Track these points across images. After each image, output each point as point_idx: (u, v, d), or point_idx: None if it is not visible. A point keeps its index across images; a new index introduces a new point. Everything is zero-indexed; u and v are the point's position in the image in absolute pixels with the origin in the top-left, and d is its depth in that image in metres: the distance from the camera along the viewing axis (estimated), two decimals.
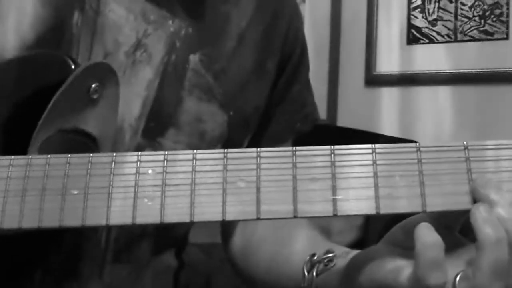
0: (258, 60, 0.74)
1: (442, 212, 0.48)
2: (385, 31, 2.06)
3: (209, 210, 0.48)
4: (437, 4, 1.99)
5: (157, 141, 0.67)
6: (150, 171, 0.49)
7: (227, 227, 0.81)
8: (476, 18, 1.93)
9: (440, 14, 1.98)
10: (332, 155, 0.48)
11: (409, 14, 2.03)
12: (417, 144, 0.48)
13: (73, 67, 0.56)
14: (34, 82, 0.57)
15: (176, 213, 0.48)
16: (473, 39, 1.93)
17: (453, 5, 1.97)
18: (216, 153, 0.49)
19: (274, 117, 0.79)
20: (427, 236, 0.45)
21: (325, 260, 0.59)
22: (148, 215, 0.48)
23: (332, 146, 0.49)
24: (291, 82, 0.80)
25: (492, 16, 1.90)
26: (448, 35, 1.97)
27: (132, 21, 0.65)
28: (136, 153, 0.50)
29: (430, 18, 2.00)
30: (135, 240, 0.69)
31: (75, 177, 0.50)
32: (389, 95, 2.06)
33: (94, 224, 0.49)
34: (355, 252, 0.57)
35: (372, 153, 0.48)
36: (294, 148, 0.49)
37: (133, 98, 0.65)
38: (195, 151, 0.49)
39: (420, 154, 0.48)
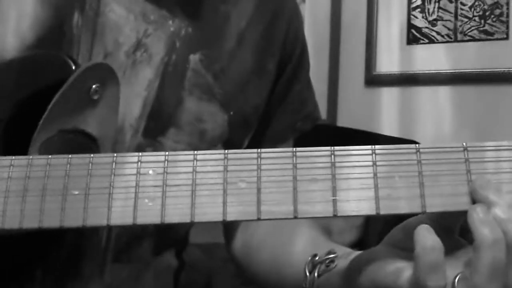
0: (258, 60, 0.74)
1: (441, 213, 0.48)
2: (385, 31, 2.06)
3: (209, 211, 0.48)
4: (437, 4, 1.99)
5: (157, 140, 0.67)
6: (150, 172, 0.49)
7: (229, 228, 0.82)
8: (476, 18, 1.93)
9: (440, 14, 1.99)
10: (332, 156, 0.48)
11: (409, 14, 2.03)
12: (417, 145, 0.49)
13: (73, 67, 0.56)
14: (35, 82, 0.57)
15: (176, 214, 0.48)
16: (473, 39, 1.93)
17: (453, 5, 1.97)
18: (216, 154, 0.49)
19: (275, 116, 0.79)
20: (427, 239, 0.46)
21: (327, 261, 0.59)
22: (149, 215, 0.48)
23: (332, 147, 0.49)
24: (292, 82, 0.80)
25: (492, 16, 1.91)
26: (448, 35, 1.98)
27: (132, 21, 0.65)
28: (136, 153, 0.50)
29: (430, 18, 2.00)
30: (135, 240, 0.69)
31: (75, 177, 0.50)
32: (389, 95, 2.06)
33: (94, 224, 0.49)
34: (356, 253, 0.57)
35: (372, 154, 0.48)
36: (294, 149, 0.49)
37: (133, 98, 0.65)
38: (195, 151, 0.50)
39: (420, 155, 0.48)
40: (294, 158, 0.49)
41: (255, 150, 0.49)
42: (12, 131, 0.57)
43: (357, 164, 0.48)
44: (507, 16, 1.89)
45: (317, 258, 0.61)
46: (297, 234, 0.71)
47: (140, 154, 0.50)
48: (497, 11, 1.90)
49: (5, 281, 0.62)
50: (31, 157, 0.51)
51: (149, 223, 0.48)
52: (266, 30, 0.75)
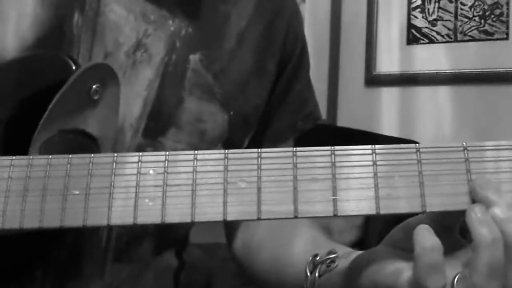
0: (258, 59, 0.74)
1: (441, 212, 0.48)
2: (385, 31, 2.06)
3: (210, 211, 0.48)
4: (437, 4, 1.99)
5: (158, 140, 0.67)
6: (151, 172, 0.49)
7: (230, 228, 0.82)
8: (476, 18, 1.93)
9: (440, 14, 1.99)
10: (333, 156, 0.48)
11: (409, 14, 2.03)
12: (417, 145, 0.49)
13: (73, 67, 0.56)
14: (35, 82, 0.57)
15: (177, 213, 0.48)
16: (473, 39, 1.93)
17: (453, 5, 1.97)
18: (217, 154, 0.49)
19: (275, 116, 0.79)
20: (426, 239, 0.46)
21: (327, 261, 0.59)
22: (149, 215, 0.48)
23: (333, 147, 0.49)
24: (292, 82, 0.80)
25: (492, 16, 1.91)
26: (448, 35, 1.98)
27: (132, 21, 0.65)
28: (137, 153, 0.50)
29: (430, 18, 2.00)
30: (136, 240, 0.69)
31: (76, 177, 0.50)
32: (389, 95, 2.06)
33: (95, 224, 0.49)
34: (357, 252, 0.58)
35: (372, 154, 0.48)
36: (294, 148, 0.49)
37: (133, 98, 0.65)
38: (196, 151, 0.50)
39: (420, 155, 0.48)
40: (294, 158, 0.49)
41: (255, 150, 0.49)
42: (13, 131, 0.57)
43: (357, 163, 0.48)
44: (507, 16, 1.89)
45: (318, 258, 0.61)
46: (298, 233, 0.71)
47: (141, 154, 0.50)
48: (497, 11, 1.90)
49: (5, 281, 0.62)
50: (31, 157, 0.51)
51: (150, 223, 0.49)
52: (266, 30, 0.75)
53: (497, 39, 1.90)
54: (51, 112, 0.54)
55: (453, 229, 0.51)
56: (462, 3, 1.95)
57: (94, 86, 0.56)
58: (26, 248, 0.61)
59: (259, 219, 0.48)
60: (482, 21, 1.92)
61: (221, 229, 0.83)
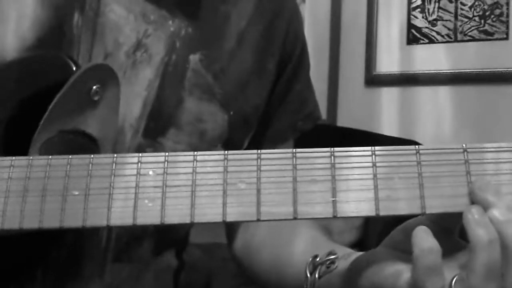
0: (258, 59, 0.74)
1: (441, 214, 0.48)
2: (385, 31, 2.06)
3: (209, 211, 0.48)
4: (437, 4, 1.99)
5: (158, 141, 0.67)
6: (150, 172, 0.49)
7: (230, 229, 0.82)
8: (476, 18, 1.93)
9: (440, 14, 1.99)
10: (332, 157, 0.49)
11: (409, 14, 2.03)
12: (417, 146, 0.49)
13: (74, 68, 0.56)
14: (35, 83, 0.57)
15: (176, 214, 0.48)
16: (473, 39, 1.94)
17: (453, 5, 1.97)
18: (216, 155, 0.49)
19: (275, 116, 0.79)
20: (424, 241, 0.46)
21: (327, 262, 0.59)
22: (149, 216, 0.48)
23: (332, 148, 0.49)
24: (292, 82, 0.80)
25: (492, 16, 1.91)
26: (448, 35, 1.98)
27: (132, 21, 0.65)
28: (136, 154, 0.50)
29: (430, 18, 2.00)
30: (136, 240, 0.69)
31: (76, 178, 0.50)
32: (389, 95, 2.06)
33: (94, 225, 0.49)
34: (356, 254, 0.58)
35: (371, 155, 0.48)
36: (294, 150, 0.49)
37: (133, 98, 0.65)
38: (195, 152, 0.50)
39: (420, 156, 0.48)
40: (294, 159, 0.49)
41: (255, 151, 0.49)
42: (13, 132, 0.57)
43: (356, 165, 0.48)
44: (507, 16, 1.89)
45: (317, 259, 0.61)
46: (297, 234, 0.71)
47: (140, 154, 0.50)
48: (497, 11, 1.90)
49: (5, 281, 0.62)
50: (31, 157, 0.51)
51: (149, 224, 0.49)
52: (266, 30, 0.75)
53: (497, 39, 1.90)
54: (51, 113, 0.54)
55: (453, 231, 0.51)
56: (462, 3, 1.95)
57: (94, 87, 0.56)
58: (26, 248, 0.61)
59: (258, 220, 0.48)
60: (482, 21, 1.92)
61: (221, 229, 0.83)
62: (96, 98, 0.57)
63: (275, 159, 0.49)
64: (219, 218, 0.48)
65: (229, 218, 0.48)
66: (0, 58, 0.59)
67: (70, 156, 0.51)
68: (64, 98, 0.54)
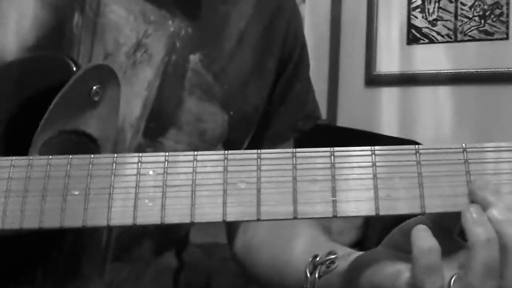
0: (258, 59, 0.74)
1: (440, 214, 0.48)
2: (385, 31, 2.06)
3: (209, 211, 0.48)
4: (437, 4, 1.99)
5: (158, 141, 0.67)
6: (151, 172, 0.49)
7: (231, 229, 0.82)
8: (476, 18, 1.93)
9: (440, 14, 1.99)
10: (332, 157, 0.49)
11: (409, 14, 2.03)
12: (416, 146, 0.49)
13: (74, 68, 0.56)
14: (36, 83, 0.57)
15: (176, 214, 0.48)
16: (473, 39, 1.94)
17: (453, 5, 1.97)
18: (216, 155, 0.49)
19: (275, 116, 0.79)
20: (424, 241, 0.46)
21: (327, 262, 0.59)
22: (149, 216, 0.48)
23: (332, 148, 0.49)
24: (292, 82, 0.80)
25: (492, 16, 1.91)
26: (448, 35, 1.98)
27: (132, 21, 0.65)
28: (137, 154, 0.50)
29: (430, 18, 2.00)
30: (136, 240, 0.69)
31: (76, 178, 0.50)
32: (389, 95, 2.06)
33: (95, 225, 0.49)
34: (356, 253, 0.58)
35: (371, 155, 0.48)
36: (294, 149, 0.49)
37: (133, 98, 0.65)
38: (195, 152, 0.50)
39: (419, 156, 0.48)
40: (294, 159, 0.49)
41: (255, 150, 0.49)
42: (13, 132, 0.57)
43: (356, 165, 0.48)
44: (507, 16, 1.89)
45: (317, 259, 0.61)
46: (298, 233, 0.72)
47: (140, 154, 0.50)
48: (497, 11, 1.90)
49: (5, 281, 0.62)
50: (31, 157, 0.51)
51: (149, 224, 0.49)
52: (266, 30, 0.75)
53: (497, 39, 1.90)
54: (52, 113, 0.54)
55: (453, 231, 0.51)
56: (462, 3, 1.95)
57: (94, 87, 0.56)
58: (26, 248, 0.61)
59: (258, 220, 0.48)
60: (482, 21, 1.92)
61: (221, 229, 0.83)
62: (96, 98, 0.57)
63: (275, 159, 0.49)
64: (219, 218, 0.48)
65: (229, 218, 0.48)
66: (1, 58, 0.60)
67: (71, 156, 0.51)
68: (65, 98, 0.54)
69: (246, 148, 0.76)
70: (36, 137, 0.54)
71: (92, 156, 0.51)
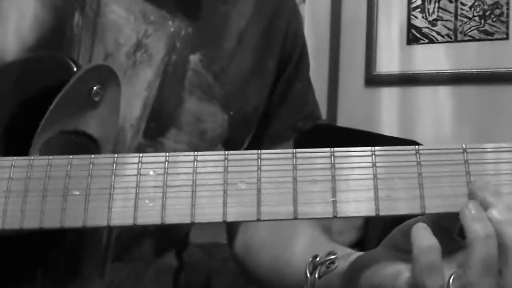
0: (258, 59, 0.74)
1: (440, 214, 0.48)
2: (385, 31, 2.06)
3: (209, 211, 0.48)
4: (437, 4, 1.99)
5: (158, 141, 0.67)
6: (151, 173, 0.49)
7: (231, 229, 0.82)
8: (476, 18, 1.93)
9: (440, 14, 1.99)
10: (332, 157, 0.49)
11: (409, 14, 2.03)
12: (416, 146, 0.49)
13: (74, 68, 0.56)
14: (36, 83, 0.57)
15: (177, 214, 0.48)
16: (473, 39, 1.94)
17: (453, 5, 1.97)
18: (217, 155, 0.49)
19: (275, 116, 0.80)
20: (424, 239, 0.46)
21: (327, 262, 0.59)
22: (149, 216, 0.48)
23: (332, 148, 0.49)
24: (292, 81, 0.80)
25: (492, 16, 1.91)
26: (448, 35, 1.98)
27: (132, 21, 0.65)
28: (137, 154, 0.50)
29: (430, 18, 2.00)
30: (136, 240, 0.69)
31: (76, 178, 0.50)
32: (389, 95, 2.06)
33: (95, 225, 0.49)
34: (356, 254, 0.58)
35: (371, 155, 0.49)
36: (294, 150, 0.49)
37: (134, 99, 0.65)
38: (196, 152, 0.50)
39: (419, 156, 0.48)
40: (294, 159, 0.49)
41: (255, 151, 0.49)
42: (13, 132, 0.57)
43: (356, 165, 0.48)
44: (507, 16, 1.89)
45: (317, 259, 0.61)
46: (298, 233, 0.72)
47: (141, 155, 0.50)
48: (497, 11, 1.90)
49: (5, 281, 0.62)
50: (32, 157, 0.51)
51: (149, 224, 0.49)
52: (266, 30, 0.75)
53: (497, 39, 1.90)
54: (52, 113, 0.54)
55: (453, 231, 0.51)
56: (462, 3, 1.95)
57: (94, 87, 0.56)
58: (26, 248, 0.61)
59: (259, 220, 0.48)
60: (482, 21, 1.92)
61: (221, 229, 0.83)
62: (96, 98, 0.57)
63: (275, 159, 0.49)
64: (219, 218, 0.48)
65: (229, 218, 0.48)
66: (1, 58, 0.60)
67: (71, 156, 0.51)
68: (65, 99, 0.55)
69: (246, 148, 0.76)
70: (37, 137, 0.54)
71: (93, 156, 0.51)
